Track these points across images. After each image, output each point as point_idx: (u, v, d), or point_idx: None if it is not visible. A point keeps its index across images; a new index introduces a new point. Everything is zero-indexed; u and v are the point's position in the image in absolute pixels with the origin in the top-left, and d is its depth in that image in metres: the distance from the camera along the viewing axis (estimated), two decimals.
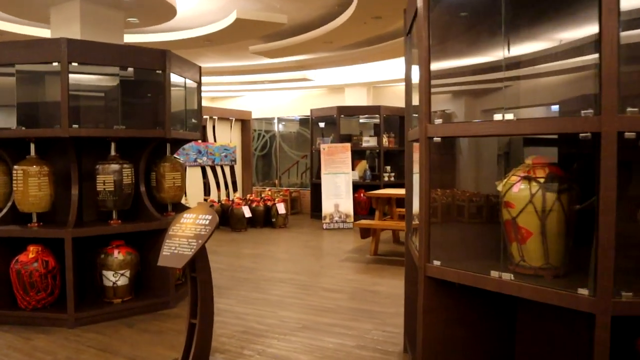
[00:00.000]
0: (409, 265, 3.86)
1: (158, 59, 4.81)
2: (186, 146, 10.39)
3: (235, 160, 11.73)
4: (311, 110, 11.85)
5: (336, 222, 10.04)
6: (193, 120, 5.67)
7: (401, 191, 8.43)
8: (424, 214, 2.77)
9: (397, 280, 5.87)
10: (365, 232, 7.42)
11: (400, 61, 10.27)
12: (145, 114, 5.08)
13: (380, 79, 11.18)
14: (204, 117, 10.95)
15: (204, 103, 13.43)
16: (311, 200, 11.92)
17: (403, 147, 11.57)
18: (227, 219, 10.15)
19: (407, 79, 3.94)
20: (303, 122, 13.41)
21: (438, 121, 2.70)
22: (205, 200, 10.95)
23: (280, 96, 13.59)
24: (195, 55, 9.54)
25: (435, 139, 2.72)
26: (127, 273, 4.69)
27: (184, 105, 5.36)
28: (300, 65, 9.35)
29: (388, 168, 11.25)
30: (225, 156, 11.44)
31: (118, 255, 4.65)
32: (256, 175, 14.19)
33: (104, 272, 4.65)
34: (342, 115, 11.33)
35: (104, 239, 4.72)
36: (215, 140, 11.33)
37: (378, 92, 12.16)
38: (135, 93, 4.96)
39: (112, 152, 4.72)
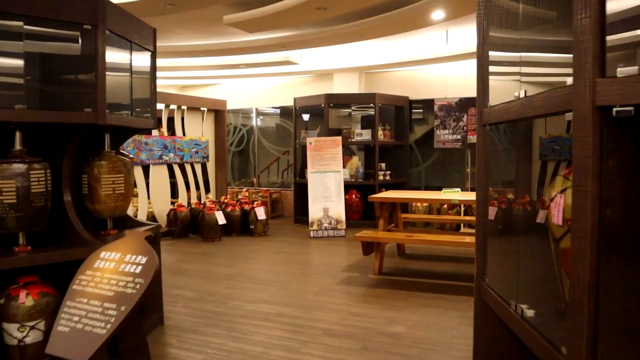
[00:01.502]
0: (483, 316, 2.44)
1: (86, 9, 3.28)
2: (149, 140, 8.83)
3: (207, 157, 10.19)
4: (295, 99, 10.37)
5: (326, 229, 8.60)
6: (144, 103, 4.16)
7: (408, 194, 7.00)
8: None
9: (418, 315, 4.46)
10: (368, 248, 5.99)
11: (400, 41, 8.84)
12: (68, 90, 3.53)
13: (374, 62, 9.75)
14: (171, 107, 9.39)
15: (172, 91, 11.82)
16: (295, 202, 10.45)
17: (400, 141, 10.13)
18: (197, 226, 8.62)
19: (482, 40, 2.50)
20: (285, 113, 11.91)
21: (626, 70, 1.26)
22: (173, 203, 9.42)
23: (260, 84, 12.06)
24: (162, 32, 7.98)
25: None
26: (41, 325, 3.16)
27: (130, 80, 3.84)
28: (284, 43, 7.88)
29: (383, 165, 9.85)
30: (196, 152, 9.90)
31: (26, 298, 3.13)
32: (232, 173, 12.65)
33: (4, 326, 3.12)
34: (331, 105, 9.87)
35: (5, 275, 3.19)
36: (184, 134, 9.78)
37: (372, 79, 10.72)
38: (53, 59, 3.42)
39: (17, 146, 3.20)
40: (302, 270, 6.35)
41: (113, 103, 3.57)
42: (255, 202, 9.02)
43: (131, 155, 8.06)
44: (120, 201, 3.71)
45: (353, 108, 10.80)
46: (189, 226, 8.85)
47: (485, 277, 2.36)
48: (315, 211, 8.66)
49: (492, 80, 2.35)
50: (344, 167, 9.20)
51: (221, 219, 8.44)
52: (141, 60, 4.05)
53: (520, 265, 2.04)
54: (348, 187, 9.43)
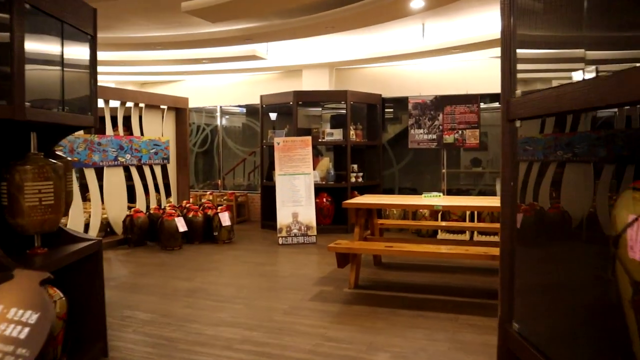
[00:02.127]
0: None
1: None
2: (103, 141, 8.12)
3: (168, 159, 9.50)
4: (261, 97, 9.77)
5: (295, 235, 8.03)
6: (81, 97, 3.51)
7: (386, 199, 6.46)
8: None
9: (401, 339, 3.93)
10: (342, 259, 5.45)
11: (374, 36, 8.33)
12: None
13: (345, 58, 9.22)
14: (127, 104, 8.68)
15: (131, 88, 11.09)
16: (262, 206, 9.85)
17: (372, 141, 9.62)
18: (156, 233, 7.94)
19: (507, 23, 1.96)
20: (251, 112, 11.29)
21: None
22: (130, 209, 8.71)
23: (225, 80, 11.41)
24: (115, 21, 7.28)
25: None
26: None
27: (61, 69, 3.19)
28: (249, 35, 7.27)
29: (355, 167, 9.33)
30: (156, 153, 9.20)
31: None
32: (195, 176, 11.96)
33: None
34: (300, 103, 9.30)
35: None
36: (142, 134, 9.06)
37: (343, 76, 10.20)
38: None
39: None
40: (270, 284, 5.76)
41: (40, 97, 2.93)
42: (220, 207, 8.39)
43: (76, 158, 7.34)
44: (49, 214, 3.07)
45: (323, 107, 10.25)
46: (147, 233, 8.17)
47: (513, 322, 1.83)
48: (283, 216, 8.08)
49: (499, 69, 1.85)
50: (314, 168, 8.65)
51: (182, 226, 7.79)
52: (77, 45, 3.40)
53: (571, 310, 1.52)
54: (318, 190, 8.89)
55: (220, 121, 11.47)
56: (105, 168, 8.27)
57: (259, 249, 7.76)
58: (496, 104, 9.31)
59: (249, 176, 11.39)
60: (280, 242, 8.00)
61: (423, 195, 5.89)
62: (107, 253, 7.46)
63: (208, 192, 11.13)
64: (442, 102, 9.37)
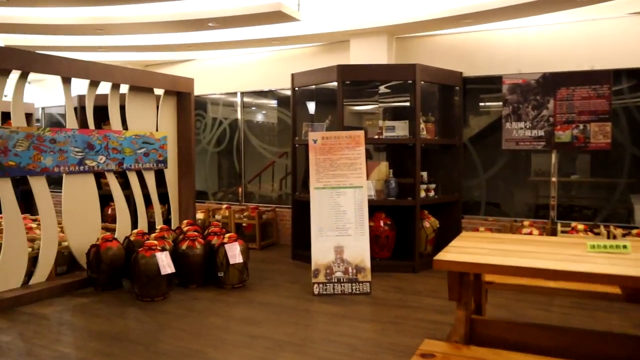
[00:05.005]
0: None
1: None
2: (59, 136, 5.58)
3: (164, 162, 6.90)
4: (293, 76, 7.04)
5: (339, 281, 5.26)
6: None
7: (510, 246, 3.31)
8: None
9: None
10: None
11: None
12: None
13: (410, 19, 6.38)
14: (97, 81, 6.14)
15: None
16: (293, 228, 7.12)
17: (448, 138, 5.69)
18: (131, 272, 5.33)
19: None
20: (281, 100, 8.57)
21: None
22: (109, 233, 6.19)
23: (245, 58, 8.72)
24: None
25: None
26: None
27: None
28: None
29: (424, 175, 6.49)
30: (146, 154, 6.61)
31: None
32: (206, 183, 9.33)
33: None
34: (347, 83, 6.52)
35: None
36: (124, 128, 6.50)
37: (405, 47, 7.34)
38: None
39: None
40: None
41: None
42: (227, 236, 5.68)
43: (12, 161, 4.78)
44: None
45: (379, 90, 7.37)
46: (122, 270, 5.58)
47: None
48: (321, 251, 5.31)
49: None
50: (367, 178, 5.86)
51: (166, 266, 5.13)
52: None
53: None
54: (373, 209, 6.10)
55: (242, 112, 8.79)
56: (64, 176, 5.71)
57: (283, 303, 5.02)
58: None
59: (281, 184, 8.69)
60: (316, 292, 5.24)
61: (590, 245, 2.98)
62: (54, 303, 4.94)
63: (224, 205, 8.48)
64: (553, 82, 6.42)
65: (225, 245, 5.49)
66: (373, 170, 6.43)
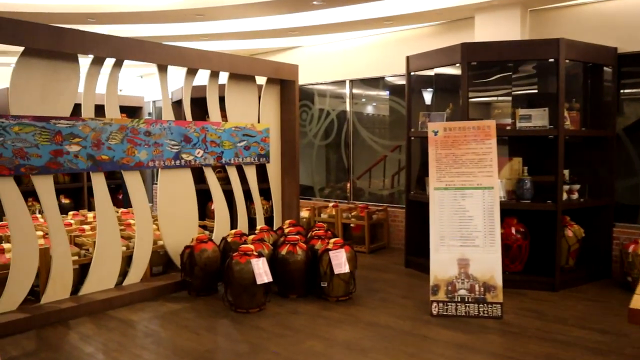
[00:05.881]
0: None
1: None
2: (154, 128, 5.19)
3: (266, 156, 6.38)
4: (408, 59, 6.19)
5: (463, 300, 4.37)
6: None
7: None
8: None
9: None
10: None
11: None
12: None
13: None
14: (194, 69, 5.73)
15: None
16: (407, 231, 6.28)
17: (596, 130, 4.68)
18: (224, 279, 4.80)
19: None
20: (395, 89, 7.73)
21: None
22: (209, 230, 5.81)
23: (354, 43, 7.98)
24: None
25: None
26: None
27: None
28: None
29: (566, 174, 5.37)
30: (246, 148, 6.11)
31: None
32: (312, 178, 8.73)
33: None
34: (473, 64, 5.55)
35: None
36: (224, 119, 6.05)
37: (543, 20, 6.19)
38: None
39: None
40: None
41: None
42: (333, 241, 4.99)
43: (105, 156, 4.42)
44: None
45: (514, 73, 6.27)
46: (217, 274, 5.09)
47: None
48: (442, 264, 4.45)
49: None
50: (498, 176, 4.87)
51: (262, 274, 4.53)
52: None
53: None
54: (503, 213, 5.09)
55: (350, 102, 8.07)
56: (160, 171, 5.34)
57: (395, 325, 4.22)
58: None
59: (393, 181, 7.87)
60: (434, 312, 4.39)
61: None
62: (145, 308, 4.56)
63: (331, 204, 7.83)
64: None
65: (330, 253, 4.80)
66: (503, 167, 5.43)
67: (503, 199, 5.20)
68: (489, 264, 4.37)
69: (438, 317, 4.38)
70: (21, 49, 4.32)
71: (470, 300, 4.35)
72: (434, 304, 4.41)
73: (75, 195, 8.39)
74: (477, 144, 4.59)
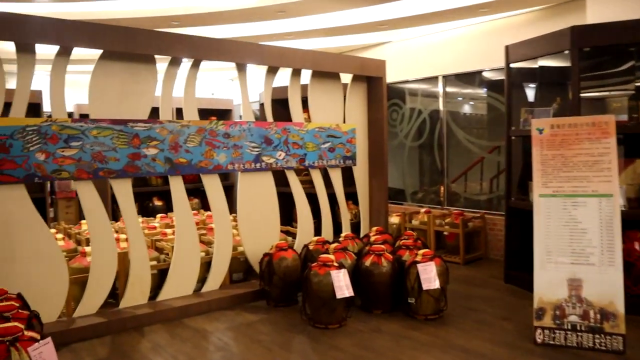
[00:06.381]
0: None
1: None
2: (233, 130, 4.98)
3: (352, 158, 6.00)
4: (507, 49, 5.55)
5: (574, 328, 3.72)
6: None
7: None
8: None
9: None
10: None
11: None
12: None
13: None
14: (275, 67, 5.46)
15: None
16: (507, 241, 5.64)
17: None
18: (303, 291, 4.47)
19: None
20: (493, 85, 7.06)
21: None
22: (292, 236, 5.56)
23: (446, 35, 7.40)
24: None
25: None
26: None
27: None
28: None
29: None
30: (331, 150, 5.78)
31: None
32: (403, 180, 8.23)
33: None
34: (585, 50, 4.82)
35: None
36: (307, 119, 5.75)
37: None
38: None
39: None
40: None
41: None
42: (421, 252, 4.51)
43: (183, 158, 4.25)
44: None
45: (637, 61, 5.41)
46: (297, 284, 4.78)
47: None
48: (549, 284, 3.82)
49: None
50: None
51: (343, 288, 4.16)
52: None
53: None
54: (624, 224, 4.32)
55: (444, 99, 7.49)
56: (239, 174, 5.13)
57: (492, 354, 3.67)
58: None
59: (491, 186, 7.21)
60: (538, 339, 3.79)
61: None
62: (221, 318, 4.38)
63: (423, 210, 7.29)
64: None
65: (419, 266, 4.33)
66: (624, 171, 4.66)
67: (624, 209, 4.44)
68: (607, 286, 3.69)
69: (543, 345, 3.77)
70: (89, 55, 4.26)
71: (583, 328, 3.70)
72: (539, 331, 3.81)
73: (169, 197, 8.45)
74: (592, 143, 3.91)
